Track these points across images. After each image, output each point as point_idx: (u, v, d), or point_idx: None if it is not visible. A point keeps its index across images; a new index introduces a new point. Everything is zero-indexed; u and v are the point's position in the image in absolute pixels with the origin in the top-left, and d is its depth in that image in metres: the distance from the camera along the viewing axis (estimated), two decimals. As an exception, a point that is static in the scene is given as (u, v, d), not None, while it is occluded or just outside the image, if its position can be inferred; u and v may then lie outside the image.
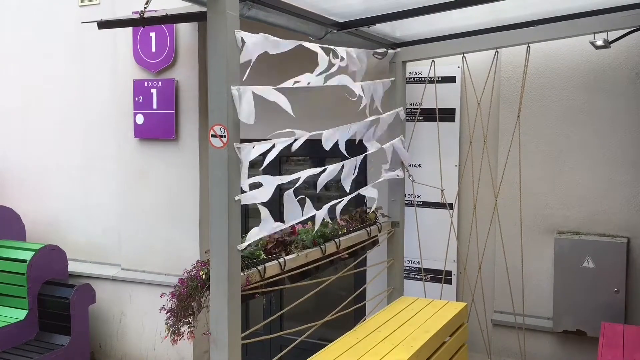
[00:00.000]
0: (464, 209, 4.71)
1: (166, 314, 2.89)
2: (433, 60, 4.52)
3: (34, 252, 5.39)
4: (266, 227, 2.99)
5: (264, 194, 2.90)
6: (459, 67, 4.63)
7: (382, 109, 4.22)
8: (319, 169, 3.41)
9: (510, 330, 4.52)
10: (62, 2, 6.02)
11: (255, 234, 2.96)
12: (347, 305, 4.16)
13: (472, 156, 4.57)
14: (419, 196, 4.82)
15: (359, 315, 4.81)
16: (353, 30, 3.84)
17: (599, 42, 3.83)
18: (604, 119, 4.24)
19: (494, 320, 4.62)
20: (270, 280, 3.23)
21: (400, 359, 3.32)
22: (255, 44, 2.75)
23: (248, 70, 2.75)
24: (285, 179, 3.08)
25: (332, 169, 3.49)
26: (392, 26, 4.10)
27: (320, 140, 3.46)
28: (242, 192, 2.80)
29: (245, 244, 2.92)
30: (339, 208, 3.71)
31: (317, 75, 3.16)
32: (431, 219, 4.78)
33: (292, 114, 2.86)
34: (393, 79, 4.50)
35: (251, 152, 2.78)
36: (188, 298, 2.88)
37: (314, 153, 5.14)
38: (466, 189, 4.67)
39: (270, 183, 2.94)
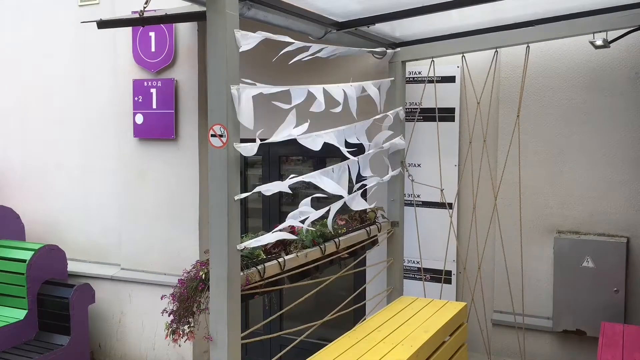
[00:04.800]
0: (464, 209, 4.71)
1: (169, 316, 2.89)
2: (432, 60, 4.52)
3: (33, 252, 5.39)
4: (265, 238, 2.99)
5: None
6: (458, 66, 4.63)
7: (382, 108, 4.22)
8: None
9: (510, 329, 4.53)
10: (61, 2, 6.02)
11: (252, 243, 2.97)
12: (346, 305, 4.15)
13: (472, 156, 4.57)
14: (418, 196, 4.82)
15: (358, 315, 4.81)
16: (352, 29, 3.84)
17: (599, 42, 3.84)
18: (604, 118, 4.24)
19: (494, 319, 4.62)
20: (270, 280, 3.23)
21: (399, 358, 3.33)
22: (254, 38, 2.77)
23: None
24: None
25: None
26: (392, 26, 4.10)
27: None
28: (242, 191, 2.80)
29: (244, 244, 2.92)
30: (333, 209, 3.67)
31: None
32: (431, 219, 4.78)
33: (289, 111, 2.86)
34: (393, 78, 4.50)
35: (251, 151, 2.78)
36: (189, 299, 2.88)
37: (314, 153, 5.13)
38: (466, 189, 4.67)
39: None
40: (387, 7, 3.60)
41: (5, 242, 5.64)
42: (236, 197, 2.73)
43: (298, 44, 3.14)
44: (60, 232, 6.14)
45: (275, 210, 5.45)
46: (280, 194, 3.40)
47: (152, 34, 5.40)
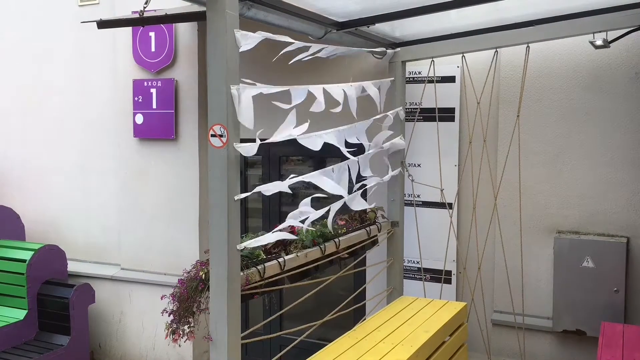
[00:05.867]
0: (464, 209, 4.71)
1: (169, 316, 2.89)
2: (432, 60, 4.52)
3: (33, 252, 5.39)
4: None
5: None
6: (458, 66, 4.63)
7: (382, 108, 4.22)
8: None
9: (510, 329, 4.53)
10: (61, 1, 6.02)
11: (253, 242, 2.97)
12: (346, 305, 4.15)
13: (472, 156, 4.57)
14: (418, 196, 4.82)
15: (358, 315, 4.81)
16: (352, 29, 3.84)
17: (599, 42, 3.84)
18: (604, 118, 4.24)
19: (494, 319, 4.62)
20: (270, 280, 3.22)
21: (400, 358, 3.33)
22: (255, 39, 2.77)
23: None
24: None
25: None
26: (392, 26, 4.10)
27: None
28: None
29: (244, 244, 2.92)
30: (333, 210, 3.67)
31: None
32: (431, 219, 4.78)
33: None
34: (392, 78, 4.50)
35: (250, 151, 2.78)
36: (188, 299, 2.88)
37: (314, 153, 5.13)
38: (466, 189, 4.67)
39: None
40: (387, 7, 3.60)
41: (5, 242, 5.64)
42: (236, 197, 2.73)
43: (298, 44, 3.14)
44: (60, 232, 6.14)
45: (275, 210, 5.45)
46: (280, 194, 3.39)
47: (152, 34, 5.40)
